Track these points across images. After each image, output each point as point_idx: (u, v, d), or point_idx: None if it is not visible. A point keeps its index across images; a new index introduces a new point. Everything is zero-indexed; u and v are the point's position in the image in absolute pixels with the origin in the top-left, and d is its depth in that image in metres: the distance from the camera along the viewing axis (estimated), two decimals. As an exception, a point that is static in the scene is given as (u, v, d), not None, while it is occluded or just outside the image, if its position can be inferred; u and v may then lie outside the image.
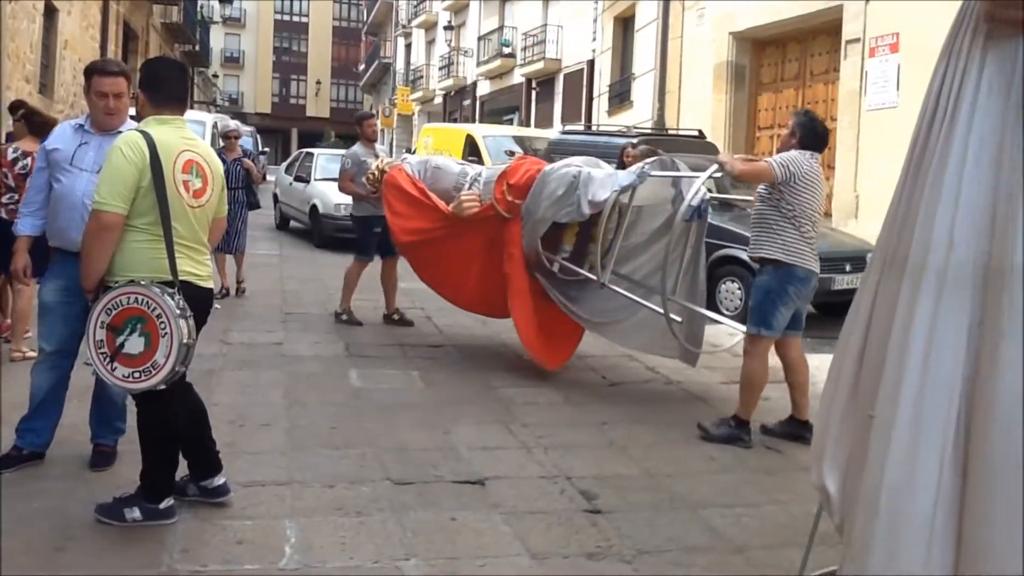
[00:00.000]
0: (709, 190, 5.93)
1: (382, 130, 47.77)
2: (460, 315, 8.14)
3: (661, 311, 5.48)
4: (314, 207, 13.75)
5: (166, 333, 3.22)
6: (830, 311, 9.03)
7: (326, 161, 15.24)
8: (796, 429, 5.00)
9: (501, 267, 6.12)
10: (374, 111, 52.71)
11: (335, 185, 13.85)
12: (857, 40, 11.17)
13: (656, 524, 3.76)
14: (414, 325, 7.74)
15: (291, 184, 15.42)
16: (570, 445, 4.72)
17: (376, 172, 7.13)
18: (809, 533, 3.09)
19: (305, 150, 17.59)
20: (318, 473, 4.08)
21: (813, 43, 12.57)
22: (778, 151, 5.03)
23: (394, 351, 6.74)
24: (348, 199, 13.19)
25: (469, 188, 6.45)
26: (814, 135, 4.84)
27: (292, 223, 15.57)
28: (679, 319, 5.54)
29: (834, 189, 11.56)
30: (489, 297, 6.38)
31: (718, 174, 5.26)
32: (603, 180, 5.71)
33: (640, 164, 5.87)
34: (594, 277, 5.97)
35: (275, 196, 16.77)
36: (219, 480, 3.66)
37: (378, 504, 3.78)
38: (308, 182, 14.46)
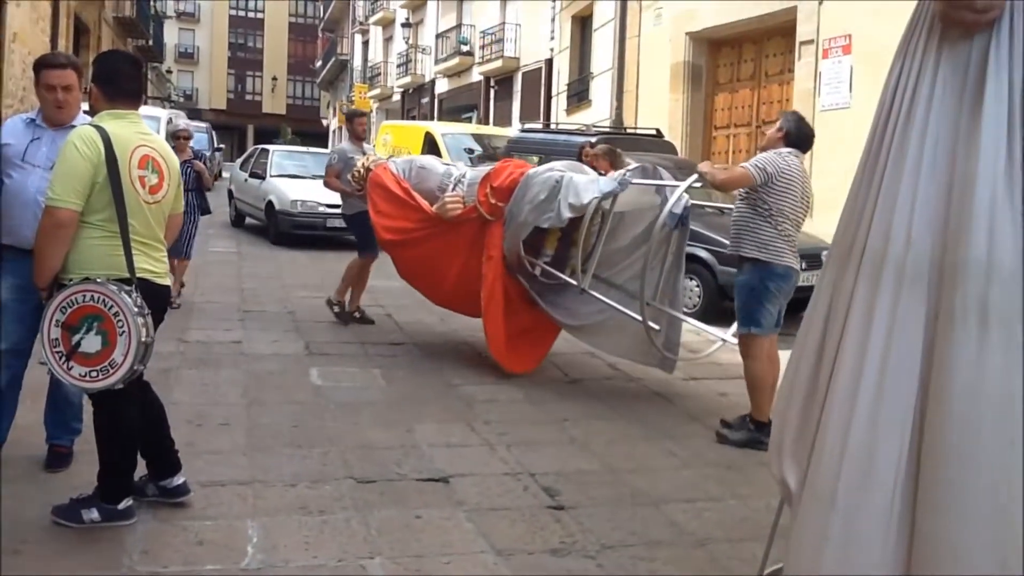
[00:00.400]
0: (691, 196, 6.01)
1: (338, 127, 47.59)
2: (421, 312, 8.14)
3: (640, 318, 5.50)
4: (270, 203, 13.68)
5: (124, 331, 3.17)
6: (789, 308, 9.16)
7: (281, 157, 15.19)
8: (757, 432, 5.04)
9: (478, 270, 6.12)
10: (331, 108, 52.39)
11: (291, 182, 14.04)
12: (811, 41, 11.33)
13: (618, 519, 3.78)
14: (375, 324, 7.70)
15: (246, 180, 15.32)
16: (532, 442, 4.74)
17: (362, 170, 7.10)
18: (770, 526, 3.12)
19: (261, 146, 17.49)
20: (280, 472, 4.05)
21: (768, 44, 12.72)
22: (762, 149, 5.08)
23: (355, 349, 6.70)
24: (304, 196, 13.37)
25: (453, 189, 6.45)
26: (800, 134, 4.91)
27: (248, 220, 15.45)
28: (657, 327, 5.56)
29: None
30: (471, 297, 6.37)
31: (698, 184, 5.29)
32: (585, 185, 5.72)
33: (621, 172, 5.91)
34: (574, 282, 6.00)
35: (230, 192, 16.64)
36: (178, 480, 3.62)
37: (341, 503, 3.76)
38: (264, 178, 14.39)
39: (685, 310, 8.21)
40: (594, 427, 5.09)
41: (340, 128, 47.63)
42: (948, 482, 2.17)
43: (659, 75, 14.11)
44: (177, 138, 8.76)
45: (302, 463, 4.20)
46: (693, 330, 6.52)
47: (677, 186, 5.55)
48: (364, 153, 7.64)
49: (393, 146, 17.58)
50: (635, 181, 5.80)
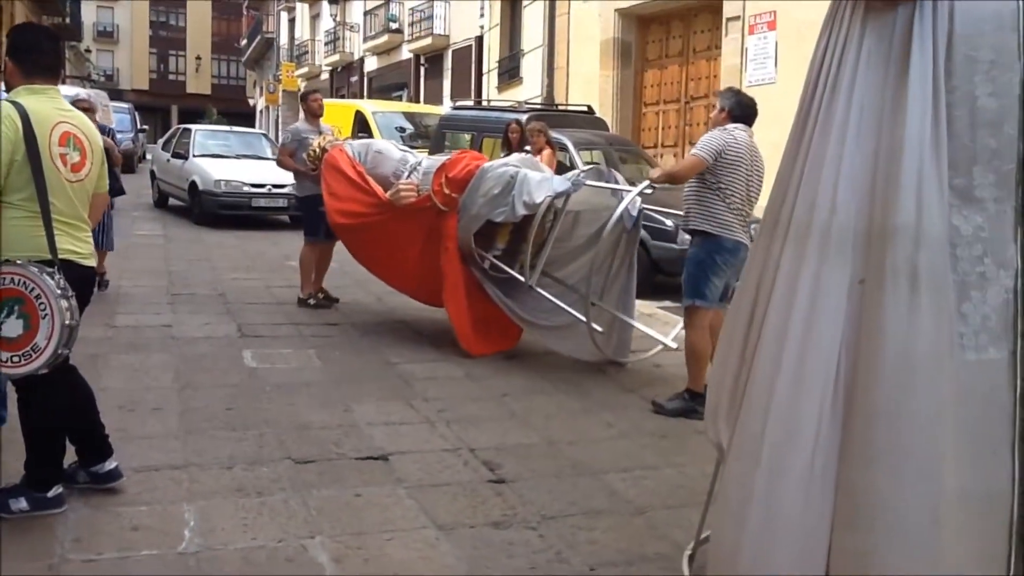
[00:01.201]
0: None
1: (266, 107, 46.68)
2: (358, 293, 8.08)
3: (584, 319, 5.51)
4: (193, 184, 13.48)
5: (46, 314, 3.07)
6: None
7: (204, 137, 15.02)
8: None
9: (438, 256, 6.09)
10: (258, 87, 51.33)
11: (215, 161, 13.84)
12: (737, 18, 11.48)
13: (559, 490, 3.82)
14: (339, 301, 7.66)
15: (168, 161, 15.07)
16: (472, 418, 4.74)
17: (317, 150, 6.98)
18: (707, 492, 3.18)
19: (183, 126, 17.23)
20: (215, 455, 3.98)
21: (696, 20, 12.85)
22: (711, 128, 5.11)
23: (289, 330, 6.61)
24: (228, 175, 13.16)
25: (408, 176, 6.40)
26: (742, 109, 4.94)
27: (172, 201, 15.18)
28: (600, 329, 5.56)
29: (719, 163, 11.88)
30: (427, 284, 6.36)
31: (648, 191, 5.37)
32: (539, 183, 5.71)
33: (576, 172, 5.94)
34: (522, 278, 6.00)
35: (152, 173, 16.37)
36: (110, 465, 3.53)
37: (279, 484, 3.71)
38: (187, 158, 14.15)
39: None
40: (534, 401, 5.11)
41: (268, 108, 46.75)
42: (881, 439, 2.24)
43: (589, 52, 14.15)
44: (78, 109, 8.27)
45: (238, 445, 4.13)
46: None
47: (630, 190, 5.60)
48: (320, 132, 7.47)
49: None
50: (588, 182, 5.82)
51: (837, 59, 2.50)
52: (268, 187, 13.17)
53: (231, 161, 13.70)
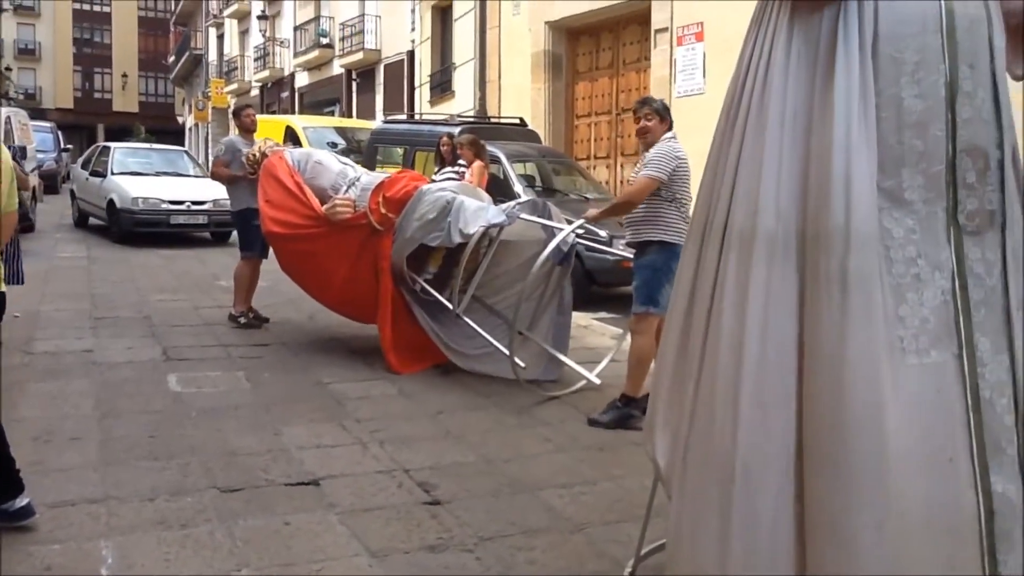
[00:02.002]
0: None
1: (196, 124, 45.86)
2: (288, 311, 7.90)
3: (507, 352, 5.41)
4: (111, 202, 13.29)
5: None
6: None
7: (124, 155, 14.85)
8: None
9: (368, 274, 5.97)
10: (187, 105, 50.42)
11: (133, 179, 13.65)
12: (665, 29, 11.58)
13: (496, 510, 3.73)
14: (269, 321, 7.47)
15: (87, 179, 14.83)
16: (406, 437, 4.63)
17: (257, 154, 6.83)
18: (646, 506, 3.12)
19: (102, 144, 17.04)
20: (136, 487, 3.80)
21: (625, 32, 12.94)
22: (648, 145, 4.98)
23: (217, 352, 6.41)
24: (146, 193, 12.92)
25: (346, 191, 6.27)
26: (669, 112, 5.01)
27: (92, 220, 14.90)
28: (523, 364, 5.42)
29: (651, 173, 11.96)
30: (357, 301, 6.23)
31: (580, 230, 5.45)
32: (475, 212, 5.62)
33: (511, 204, 5.85)
34: (450, 305, 5.91)
35: (72, 192, 16.13)
36: (21, 502, 3.34)
37: (204, 515, 3.56)
38: (105, 176, 13.94)
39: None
40: (470, 418, 5.02)
41: (197, 125, 45.94)
42: (824, 450, 2.21)
43: (520, 65, 14.16)
44: None
45: (160, 475, 3.96)
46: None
47: (562, 228, 5.51)
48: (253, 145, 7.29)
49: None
50: (522, 216, 5.73)
51: (765, 61, 2.47)
52: (187, 204, 13.17)
53: (150, 179, 13.64)
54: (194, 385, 5.48)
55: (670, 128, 4.94)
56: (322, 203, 6.24)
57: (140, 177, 13.67)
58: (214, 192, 13.69)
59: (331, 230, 6.08)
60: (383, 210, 5.86)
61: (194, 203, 13.20)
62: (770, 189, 2.41)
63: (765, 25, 2.59)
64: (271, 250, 6.93)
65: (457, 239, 5.63)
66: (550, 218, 5.80)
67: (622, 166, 12.83)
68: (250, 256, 7.36)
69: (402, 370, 5.90)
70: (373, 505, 3.73)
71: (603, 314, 8.39)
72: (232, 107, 8.17)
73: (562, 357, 5.99)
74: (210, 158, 40.10)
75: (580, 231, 5.61)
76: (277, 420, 4.84)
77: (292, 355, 6.43)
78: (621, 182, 12.82)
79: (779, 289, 2.37)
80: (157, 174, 14.13)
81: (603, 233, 7.95)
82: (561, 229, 5.52)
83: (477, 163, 7.82)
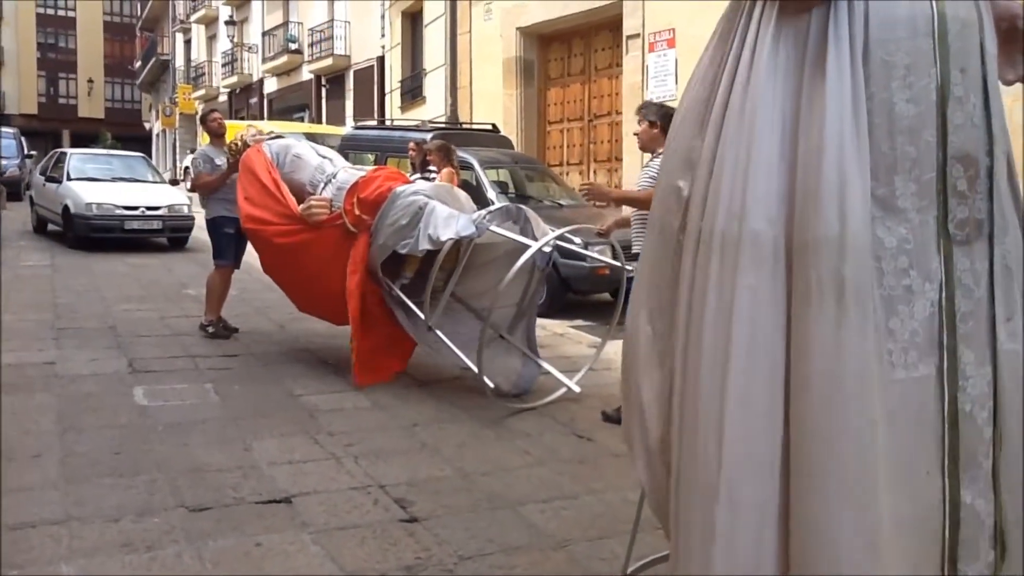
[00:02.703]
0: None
1: (163, 130, 45.34)
2: (258, 320, 7.75)
3: (476, 368, 5.27)
4: (66, 207, 13.22)
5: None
6: (626, 297, 9.28)
7: (80, 161, 14.84)
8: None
9: (340, 276, 5.77)
10: (154, 111, 49.83)
11: (88, 184, 13.63)
12: (637, 35, 11.55)
13: (475, 527, 3.62)
14: (238, 331, 7.29)
15: (44, 185, 14.76)
16: (381, 451, 4.51)
17: (239, 143, 6.67)
18: (632, 521, 3.03)
19: (60, 150, 17.16)
20: (100, 507, 3.65)
21: (596, 38, 12.90)
22: (644, 147, 5.01)
23: (184, 363, 6.25)
24: (100, 198, 12.83)
25: (323, 188, 6.12)
26: (669, 120, 4.83)
27: (50, 226, 14.80)
28: (492, 385, 5.28)
29: (622, 180, 11.93)
30: (327, 302, 6.08)
31: (558, 241, 5.39)
32: (446, 220, 5.41)
33: (482, 213, 5.64)
34: (422, 316, 5.75)
35: (31, 199, 16.09)
36: (-22, 526, 3.19)
37: (172, 535, 3.41)
38: (60, 182, 13.90)
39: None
40: (445, 431, 4.91)
41: (164, 131, 45.42)
42: (814, 465, 2.13)
43: (492, 71, 14.09)
44: None
45: (125, 494, 3.81)
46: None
47: (529, 244, 5.30)
48: (225, 154, 7.09)
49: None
50: (493, 228, 5.51)
51: (748, 61, 2.39)
52: (141, 209, 13.18)
53: (105, 184, 13.59)
54: (160, 398, 5.32)
55: (667, 133, 4.84)
56: (300, 198, 6.10)
57: (95, 183, 13.65)
58: (170, 197, 13.68)
59: (306, 229, 5.94)
60: (357, 211, 5.71)
61: (149, 208, 13.23)
62: (759, 193, 2.34)
63: (744, 24, 2.52)
64: (247, 253, 6.81)
65: (425, 246, 5.48)
66: (527, 223, 5.65)
67: (595, 172, 12.79)
68: (223, 265, 7.20)
69: (361, 383, 5.73)
70: (348, 523, 3.61)
71: (579, 322, 8.32)
72: (199, 113, 7.90)
73: (545, 364, 5.90)
74: (178, 164, 39.78)
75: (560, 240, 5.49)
76: (247, 434, 4.70)
77: (262, 366, 6.28)
78: (594, 188, 12.77)
79: (768, 297, 2.30)
80: (113, 180, 14.11)
81: (578, 240, 7.91)
82: (528, 243, 5.31)
83: (446, 170, 7.71)
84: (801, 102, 2.30)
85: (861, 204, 2.19)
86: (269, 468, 4.20)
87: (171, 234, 13.61)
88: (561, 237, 5.71)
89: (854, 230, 2.16)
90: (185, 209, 13.73)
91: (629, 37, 11.66)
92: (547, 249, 5.53)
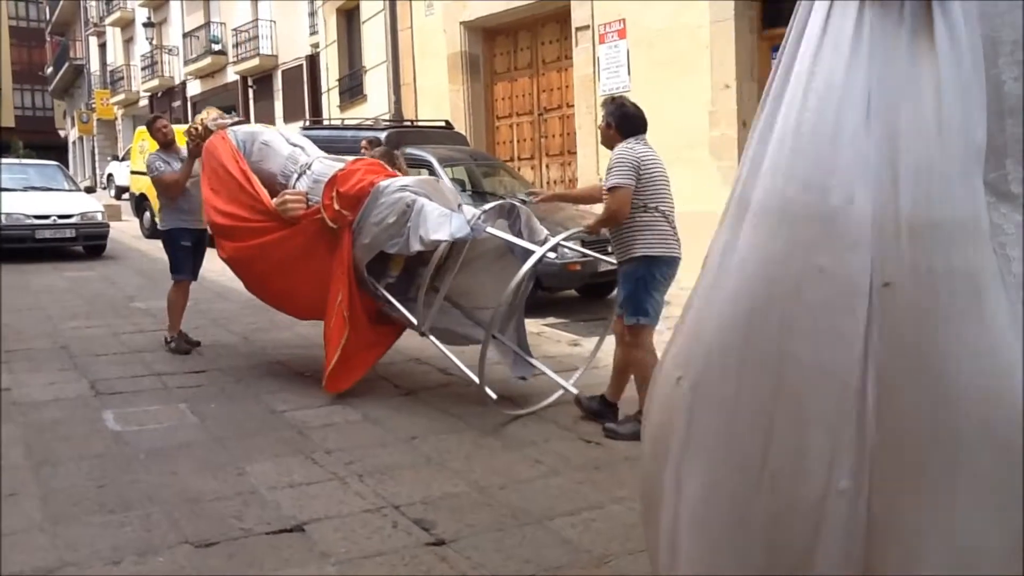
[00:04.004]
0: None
1: (80, 138, 43.75)
2: (217, 332, 7.38)
3: (473, 376, 5.04)
4: None
5: None
6: (593, 293, 9.13)
7: None
8: (602, 409, 4.93)
9: (318, 273, 5.42)
10: (68, 117, 48.06)
11: None
12: (587, 27, 11.40)
13: (507, 547, 3.40)
14: (200, 344, 6.92)
15: None
16: (386, 468, 4.25)
17: (199, 127, 6.21)
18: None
19: None
20: (96, 549, 3.32)
21: (543, 31, 12.71)
22: (605, 144, 4.81)
23: (151, 382, 5.86)
24: (8, 208, 12.42)
25: (297, 179, 5.71)
26: (628, 119, 4.65)
27: None
28: (494, 397, 4.94)
29: (577, 173, 11.80)
30: (303, 299, 5.75)
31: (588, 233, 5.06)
32: (437, 220, 5.04)
33: (475, 214, 5.19)
34: (415, 321, 5.41)
35: None
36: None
37: (183, 576, 3.12)
38: None
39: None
40: (446, 442, 4.67)
41: (82, 138, 43.82)
42: (946, 468, 1.97)
43: (436, 66, 13.80)
44: None
45: (120, 532, 3.48)
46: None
47: (533, 249, 4.99)
48: (180, 159, 6.65)
49: (152, 151, 16.21)
50: (489, 229, 5.15)
51: (818, 33, 2.22)
52: (53, 218, 12.87)
53: (15, 194, 13.11)
54: (134, 422, 4.95)
55: (626, 136, 4.60)
56: (270, 190, 5.69)
57: (5, 193, 13.12)
58: (83, 205, 13.26)
59: (281, 225, 5.55)
60: (337, 206, 5.33)
61: (61, 217, 12.96)
62: (843, 169, 2.16)
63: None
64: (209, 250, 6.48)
65: (416, 247, 5.14)
66: (519, 219, 5.37)
67: (547, 167, 12.62)
68: (180, 279, 6.84)
69: (331, 390, 5.41)
70: (371, 551, 3.35)
71: (551, 319, 8.13)
72: (147, 119, 7.39)
73: (538, 364, 5.69)
74: (98, 173, 38.32)
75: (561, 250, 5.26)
76: (237, 457, 4.39)
77: (234, 381, 5.92)
78: (547, 183, 12.60)
79: (844, 281, 2.14)
80: (25, 189, 13.67)
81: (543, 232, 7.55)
82: (532, 248, 5.01)
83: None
84: (899, 77, 2.13)
85: (979, 186, 2.04)
86: (270, 493, 3.91)
87: (86, 242, 13.33)
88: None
89: (976, 215, 2.01)
90: (99, 216, 13.46)
91: (578, 29, 11.50)
92: (551, 254, 5.27)
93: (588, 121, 11.44)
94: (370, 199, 5.25)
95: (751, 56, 9.64)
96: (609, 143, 4.74)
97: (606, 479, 4.16)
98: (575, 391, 5.27)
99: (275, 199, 5.59)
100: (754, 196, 2.26)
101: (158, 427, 4.89)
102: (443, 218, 5.06)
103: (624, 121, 4.67)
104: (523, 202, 5.59)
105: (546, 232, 5.43)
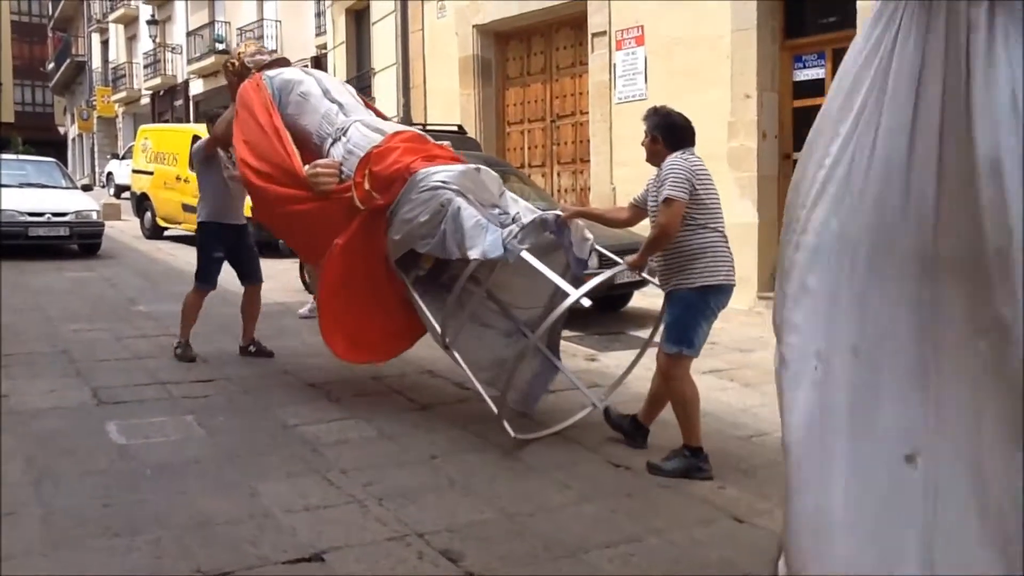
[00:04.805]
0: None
1: (79, 135, 43.49)
2: (223, 339, 7.13)
3: (486, 396, 4.81)
4: None
5: None
6: (608, 306, 8.90)
7: None
8: (632, 429, 4.66)
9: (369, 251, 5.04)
10: (69, 114, 47.81)
11: None
12: (603, 33, 11.18)
13: (544, 583, 3.17)
14: (274, 356, 6.63)
15: None
16: (407, 491, 4.01)
17: (237, 62, 5.83)
18: (705, 564, 2.62)
19: None
20: (101, 577, 3.09)
21: (557, 36, 12.49)
22: (649, 161, 4.40)
23: (156, 392, 5.62)
24: (3, 204, 12.11)
25: (331, 145, 5.28)
26: (676, 131, 4.29)
27: None
28: (513, 434, 4.62)
29: (590, 182, 11.58)
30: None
31: (632, 270, 4.55)
32: (472, 232, 4.55)
33: (511, 230, 4.57)
34: (438, 329, 4.95)
35: None
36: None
37: (196, 611, 2.89)
38: None
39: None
40: (468, 463, 4.43)
41: (81, 135, 43.56)
42: None
43: (447, 70, 13.58)
44: None
45: (128, 559, 3.24)
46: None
47: (567, 286, 4.50)
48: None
49: (154, 152, 16.01)
50: (523, 252, 4.54)
51: (888, 51, 2.02)
52: (47, 216, 12.75)
53: (10, 191, 12.92)
54: (140, 435, 4.71)
55: (675, 148, 4.26)
56: (305, 148, 5.33)
57: (2, 189, 12.93)
58: (79, 203, 13.09)
59: (311, 197, 5.15)
60: (367, 186, 4.93)
61: (55, 215, 12.83)
62: (918, 197, 2.00)
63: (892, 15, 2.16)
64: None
65: (455, 254, 4.71)
66: (562, 233, 4.92)
67: (558, 175, 12.39)
68: (203, 288, 6.52)
69: (347, 357, 5.23)
70: (398, 585, 3.12)
71: (565, 332, 7.85)
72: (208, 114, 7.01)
73: (569, 374, 5.39)
74: (97, 171, 37.98)
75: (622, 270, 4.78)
76: (249, 475, 4.15)
77: (242, 392, 5.69)
78: (557, 191, 12.38)
79: (948, 311, 1.98)
80: (21, 186, 13.48)
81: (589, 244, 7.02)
82: (566, 289, 4.47)
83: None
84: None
85: None
86: (286, 517, 3.67)
87: (80, 241, 13.26)
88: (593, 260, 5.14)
89: None
90: (94, 215, 13.30)
91: (595, 35, 11.27)
92: (584, 256, 4.98)
93: (602, 129, 11.23)
94: (404, 191, 4.82)
95: (772, 66, 9.43)
96: (656, 159, 4.33)
97: (641, 508, 3.93)
98: (601, 407, 5.01)
99: (307, 167, 5.15)
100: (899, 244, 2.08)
101: (164, 441, 4.65)
102: (478, 229, 4.59)
103: (671, 133, 4.32)
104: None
105: (591, 241, 5.02)
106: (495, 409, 4.68)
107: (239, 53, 6.04)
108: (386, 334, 5.36)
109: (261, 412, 5.23)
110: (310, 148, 5.46)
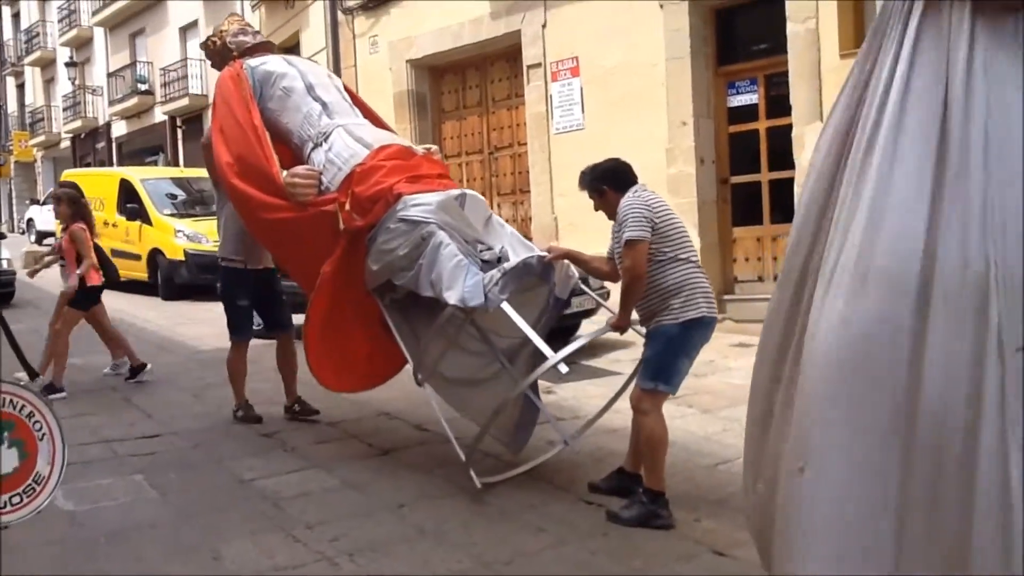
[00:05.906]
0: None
1: (-3, 181, 42.08)
2: (169, 391, 6.86)
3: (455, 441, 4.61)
4: None
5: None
6: (556, 335, 8.83)
7: None
8: (626, 482, 4.46)
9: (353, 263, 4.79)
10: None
11: None
12: (538, 65, 11.23)
13: (531, 635, 3.06)
14: (320, 413, 6.03)
15: None
16: (376, 543, 3.86)
17: (217, 40, 5.47)
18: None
19: None
20: (61, 661, 2.89)
21: (492, 69, 12.51)
22: (608, 214, 4.26)
23: (99, 451, 5.36)
24: None
25: (311, 150, 4.98)
26: (618, 173, 4.23)
27: None
28: (479, 485, 4.42)
29: (531, 212, 11.57)
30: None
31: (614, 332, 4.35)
32: (452, 273, 4.33)
33: (493, 276, 4.31)
34: (410, 362, 4.78)
35: None
36: None
37: None
38: None
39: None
40: (438, 510, 4.29)
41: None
42: None
43: (382, 104, 13.39)
44: None
45: (89, 637, 3.05)
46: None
47: (548, 353, 4.22)
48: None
49: (80, 198, 15.54)
50: (502, 301, 4.27)
51: (943, 77, 2.00)
52: None
53: None
54: (88, 499, 4.47)
55: (623, 191, 4.16)
56: (286, 153, 5.07)
57: None
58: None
59: (288, 206, 4.85)
60: (348, 207, 4.66)
61: None
62: (951, 230, 1.98)
63: (893, 33, 2.16)
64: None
65: (427, 292, 4.50)
66: (551, 277, 4.72)
67: (499, 206, 12.34)
68: (240, 341, 5.93)
69: (334, 387, 5.16)
70: (380, 648, 2.98)
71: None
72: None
73: (549, 415, 5.21)
74: (16, 218, 36.82)
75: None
76: (209, 537, 3.96)
77: (191, 447, 5.46)
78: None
79: (957, 348, 1.98)
80: None
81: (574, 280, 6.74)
82: (546, 353, 4.20)
83: (76, 226, 6.66)
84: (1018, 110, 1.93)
85: None
86: (254, 580, 3.50)
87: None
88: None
89: None
90: (4, 264, 12.84)
91: (530, 67, 11.32)
92: (563, 296, 4.86)
93: (541, 159, 11.25)
94: (384, 220, 4.57)
95: (707, 93, 9.56)
96: (612, 208, 4.20)
97: (619, 547, 3.84)
98: (570, 444, 4.88)
99: (284, 174, 4.87)
100: (873, 264, 2.05)
101: (114, 504, 4.43)
102: (458, 270, 4.35)
103: (615, 177, 4.23)
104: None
105: (576, 278, 4.89)
106: (462, 456, 4.53)
107: (221, 31, 5.67)
108: (373, 361, 5.21)
109: (214, 467, 5.02)
110: (290, 147, 5.22)
